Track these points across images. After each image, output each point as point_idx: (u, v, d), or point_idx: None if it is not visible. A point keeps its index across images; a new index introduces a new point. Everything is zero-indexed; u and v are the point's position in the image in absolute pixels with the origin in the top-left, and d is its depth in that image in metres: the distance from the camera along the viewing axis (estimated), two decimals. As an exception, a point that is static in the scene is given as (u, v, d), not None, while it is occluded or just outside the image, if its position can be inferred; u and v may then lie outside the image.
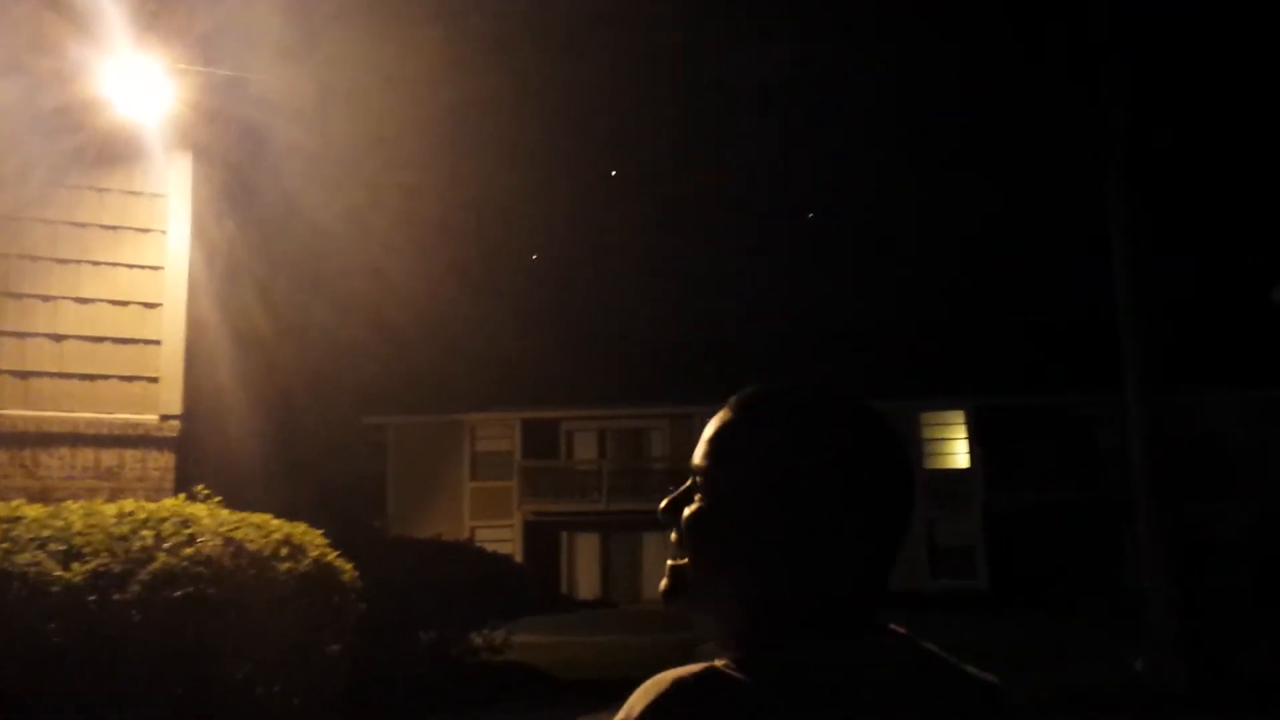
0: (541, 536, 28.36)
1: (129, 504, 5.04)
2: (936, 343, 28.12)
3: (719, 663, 0.96)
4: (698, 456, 1.03)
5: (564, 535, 28.74)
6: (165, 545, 4.67)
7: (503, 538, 27.40)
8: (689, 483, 1.04)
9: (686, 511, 1.02)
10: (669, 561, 1.05)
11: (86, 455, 6.14)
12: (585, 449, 29.64)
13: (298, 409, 9.11)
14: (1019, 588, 25.20)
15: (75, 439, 6.13)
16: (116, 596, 4.34)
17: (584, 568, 28.75)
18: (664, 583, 1.05)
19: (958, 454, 28.44)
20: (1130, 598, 17.63)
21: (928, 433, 28.38)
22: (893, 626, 1.01)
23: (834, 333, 28.45)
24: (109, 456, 6.20)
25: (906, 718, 0.94)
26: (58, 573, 4.19)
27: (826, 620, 0.97)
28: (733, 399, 1.05)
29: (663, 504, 1.05)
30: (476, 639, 11.34)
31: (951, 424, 28.48)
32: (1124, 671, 11.66)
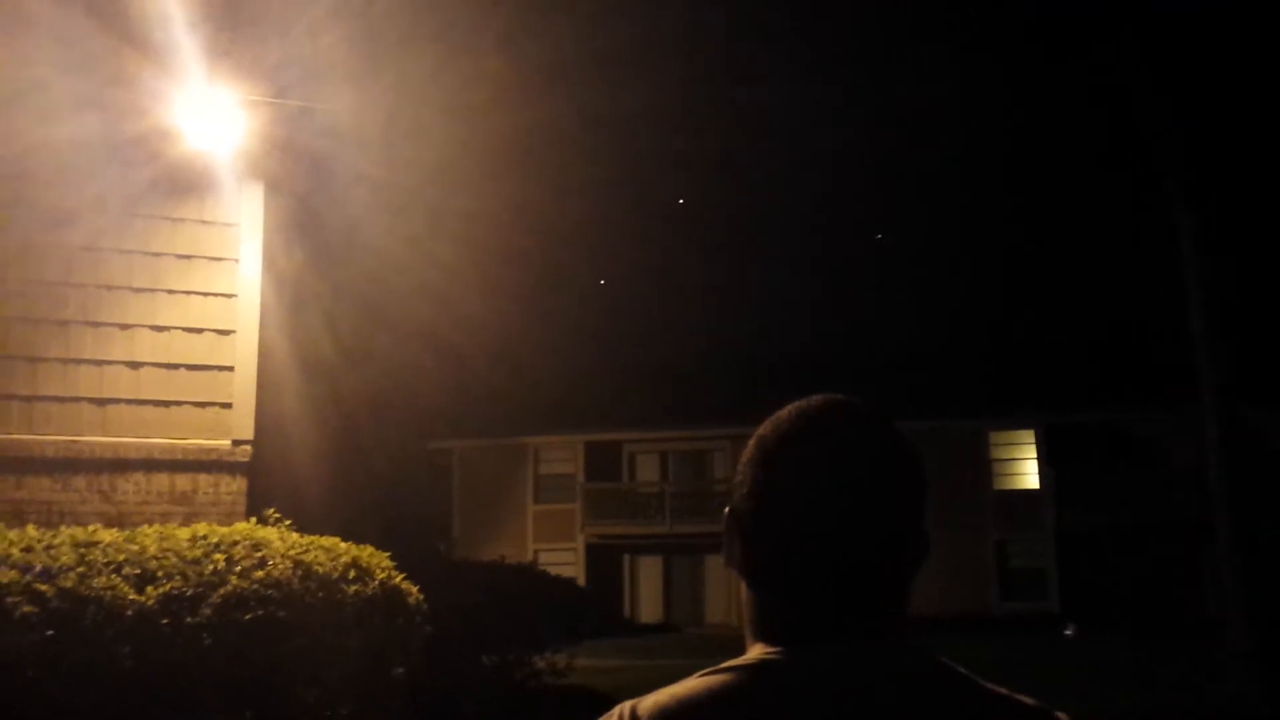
0: (604, 559, 28.34)
1: (202, 528, 5.13)
2: (1004, 361, 27.68)
3: (753, 656, 1.01)
4: (741, 459, 1.11)
5: (626, 558, 28.69)
6: (236, 569, 4.74)
7: (566, 560, 27.44)
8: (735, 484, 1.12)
9: (728, 509, 1.09)
10: None
11: (161, 480, 6.27)
12: (647, 471, 29.60)
13: (363, 434, 9.23)
14: (1092, 610, 24.60)
15: (150, 464, 6.26)
16: (189, 620, 4.40)
17: (646, 590, 28.65)
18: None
19: (1027, 474, 27.89)
20: (1208, 620, 17.13)
21: (996, 453, 27.90)
22: (924, 650, 1.02)
23: (898, 353, 28.13)
24: (183, 481, 6.32)
25: None
26: (132, 596, 4.26)
27: (814, 628, 1.00)
28: (781, 410, 1.11)
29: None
30: (539, 662, 11.33)
31: (1020, 443, 27.96)
32: (1202, 696, 11.32)
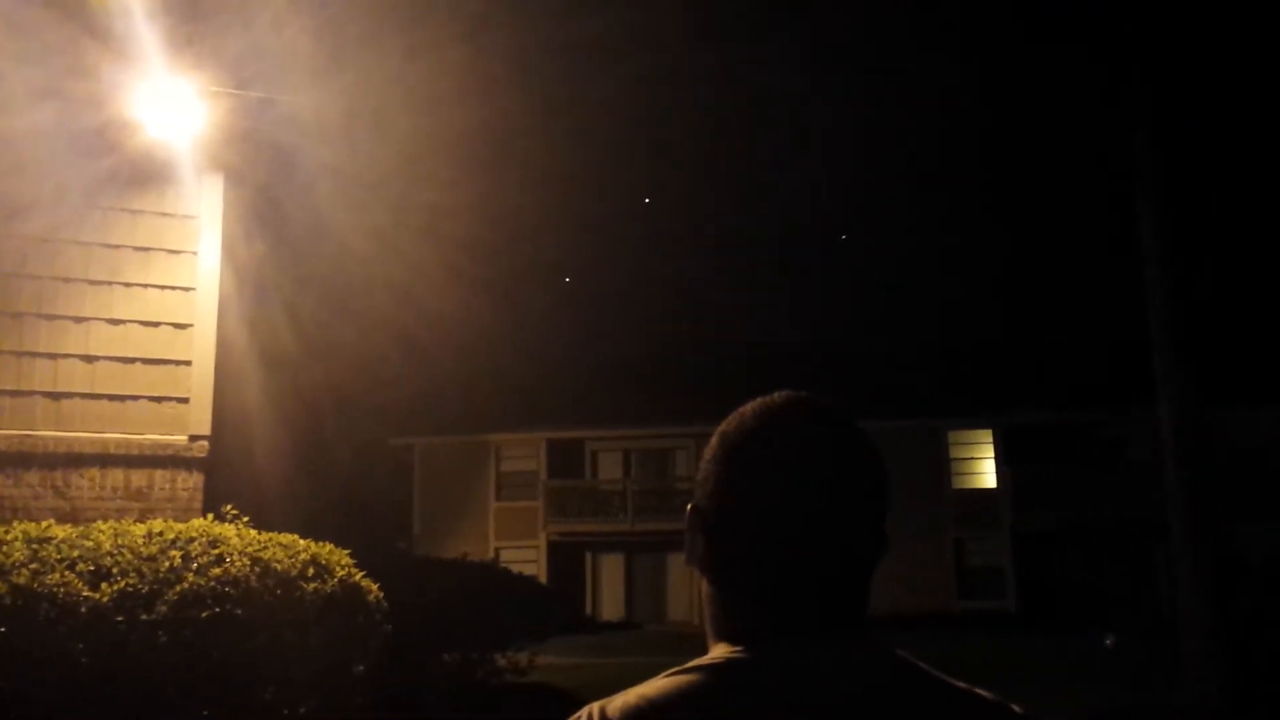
0: (566, 557, 28.30)
1: (158, 524, 5.06)
2: (963, 361, 27.93)
3: (717, 655, 1.00)
4: (704, 455, 1.10)
5: (589, 555, 28.67)
6: (193, 566, 4.68)
7: (528, 558, 27.37)
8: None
9: (691, 503, 1.09)
10: None
11: (116, 476, 6.18)
12: (610, 469, 29.59)
13: (324, 430, 9.15)
14: (1049, 609, 24.90)
15: (105, 459, 6.16)
16: (144, 617, 4.35)
17: (608, 588, 28.65)
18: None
19: (985, 473, 28.17)
20: (1163, 619, 17.39)
21: (955, 452, 28.15)
22: (888, 645, 1.02)
23: (859, 352, 28.32)
24: (138, 477, 6.23)
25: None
26: (86, 593, 4.20)
27: (778, 626, 1.00)
28: (746, 406, 1.11)
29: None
30: (501, 660, 11.30)
31: (979, 443, 28.23)
32: (1157, 694, 11.48)
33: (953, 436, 28.02)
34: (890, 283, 33.55)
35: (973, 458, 28.29)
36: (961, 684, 1.01)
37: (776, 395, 1.10)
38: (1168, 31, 11.94)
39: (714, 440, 1.09)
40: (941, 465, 27.60)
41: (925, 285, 33.33)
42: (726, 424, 1.09)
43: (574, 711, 1.01)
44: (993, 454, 27.93)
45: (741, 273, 34.35)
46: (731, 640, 1.01)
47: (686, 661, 1.01)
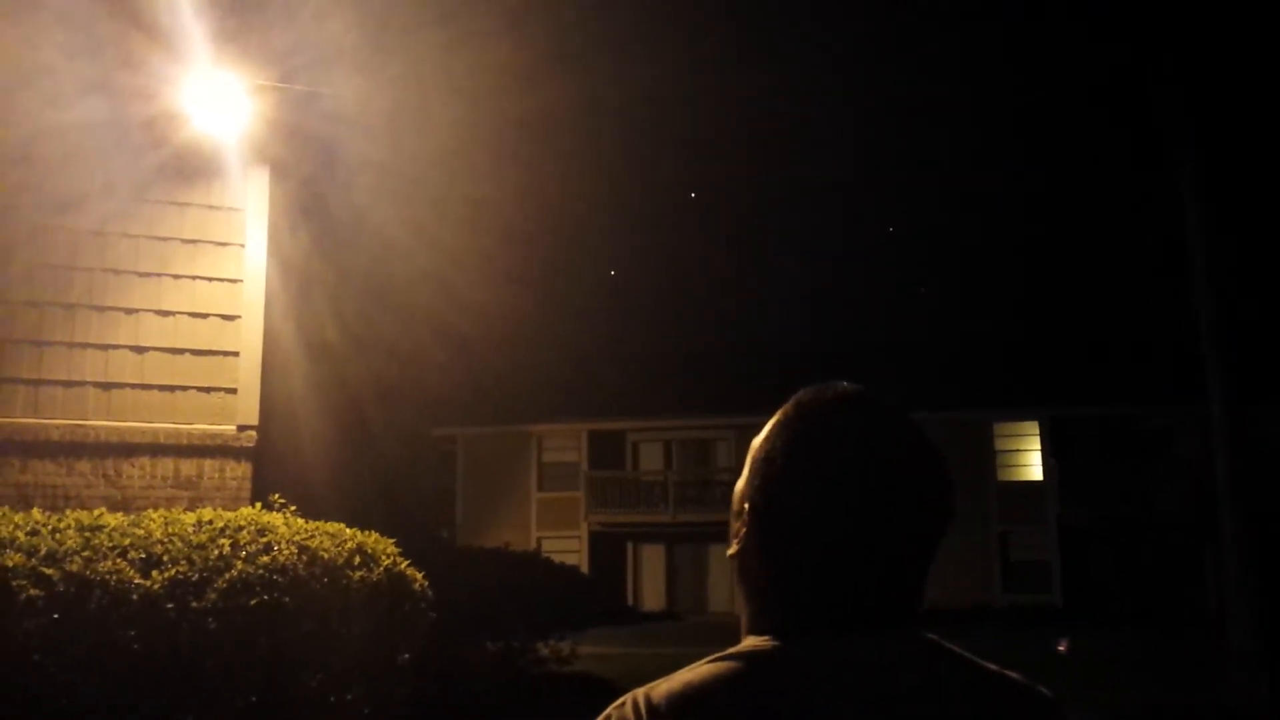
0: (607, 547, 28.37)
1: (207, 513, 5.13)
2: (1010, 353, 27.63)
3: (747, 646, 1.00)
4: (753, 441, 1.10)
5: (630, 546, 28.73)
6: (242, 554, 4.74)
7: (569, 548, 27.46)
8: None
9: (736, 490, 1.09)
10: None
11: (166, 465, 6.27)
12: (651, 460, 29.61)
13: (368, 420, 9.23)
14: (1095, 604, 24.60)
15: (155, 449, 6.25)
16: (194, 605, 4.41)
17: (649, 579, 28.69)
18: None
19: (1031, 466, 27.86)
20: (1210, 616, 17.11)
21: (1000, 444, 27.86)
22: (928, 634, 1.02)
23: (904, 343, 28.10)
24: (188, 466, 6.32)
25: (928, 715, 0.95)
26: (137, 580, 4.26)
27: (843, 617, 0.99)
28: (794, 397, 1.10)
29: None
30: (543, 649, 11.36)
31: (1025, 435, 27.91)
32: (1204, 691, 11.31)
33: (998, 429, 27.75)
34: (938, 274, 33.26)
35: (1018, 450, 27.98)
36: (993, 667, 1.01)
37: (834, 386, 1.08)
38: (1208, 27, 11.73)
39: (767, 430, 1.08)
40: (987, 458, 27.34)
41: (971, 277, 33.00)
42: (782, 414, 1.08)
43: (616, 700, 1.01)
44: (1039, 446, 27.63)
45: (785, 264, 34.20)
46: (775, 629, 1.01)
47: (722, 651, 1.01)
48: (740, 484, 1.09)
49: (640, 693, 0.99)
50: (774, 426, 1.07)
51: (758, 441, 1.08)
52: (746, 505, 1.06)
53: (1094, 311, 28.66)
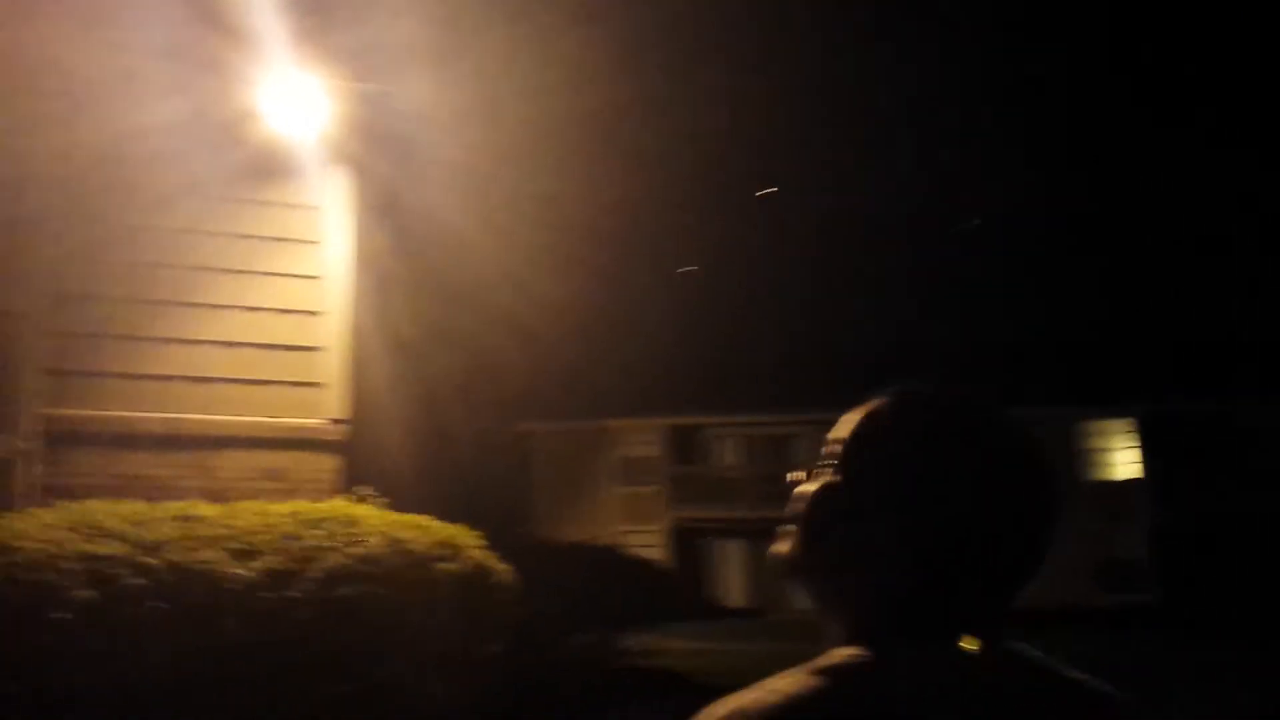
0: (688, 542, 28.34)
1: (299, 504, 5.19)
2: (1101, 348, 27.00)
3: (839, 657, 0.95)
4: (835, 435, 1.05)
5: (711, 541, 28.66)
6: (334, 544, 4.78)
7: (650, 543, 27.49)
8: (822, 458, 1.06)
9: (818, 484, 1.04)
10: (780, 526, 1.08)
11: (258, 457, 6.38)
12: (730, 455, 29.52)
13: (448, 415, 9.30)
14: (1194, 604, 23.87)
15: (248, 441, 6.37)
16: (289, 593, 4.46)
17: (731, 574, 28.59)
18: (775, 546, 1.07)
19: (1124, 464, 27.17)
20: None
21: (1090, 442, 27.22)
22: (1014, 641, 0.99)
23: (988, 339, 27.57)
24: (279, 458, 6.42)
25: None
26: (234, 570, 4.32)
27: (948, 625, 0.96)
28: (887, 391, 1.05)
29: (793, 474, 1.08)
30: (627, 643, 11.35)
31: (1116, 433, 27.24)
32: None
33: (1090, 427, 27.13)
34: (1020, 269, 32.60)
35: (1111, 448, 27.34)
36: (1076, 674, 0.98)
37: (956, 388, 1.04)
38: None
39: (864, 419, 1.03)
40: (1078, 456, 26.75)
41: (1059, 274, 32.29)
42: (875, 407, 1.04)
43: (705, 701, 0.96)
44: (1132, 444, 26.96)
45: (869, 261, 33.82)
46: (861, 639, 0.97)
47: (810, 650, 0.98)
48: (821, 485, 1.04)
49: (732, 703, 0.94)
50: (866, 419, 1.03)
51: (842, 432, 1.04)
52: (850, 505, 1.00)
53: (1188, 305, 27.89)
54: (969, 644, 0.94)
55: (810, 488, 1.05)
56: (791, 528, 1.06)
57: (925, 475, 0.97)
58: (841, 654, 0.97)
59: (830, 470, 1.04)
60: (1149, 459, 26.26)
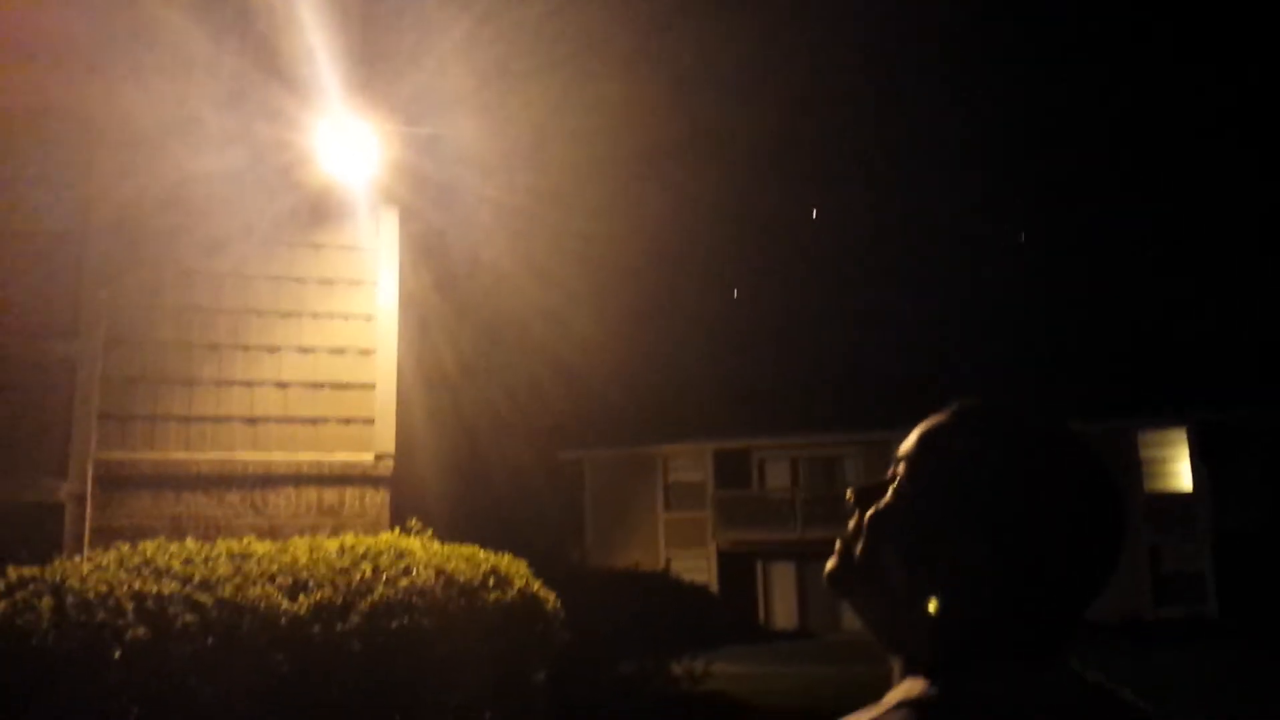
0: (736, 566, 28.25)
1: (349, 538, 5.35)
2: (1153, 358, 26.57)
3: (917, 691, 0.91)
4: (907, 448, 1.00)
5: (759, 564, 28.54)
6: (383, 578, 4.92)
7: (698, 567, 27.45)
8: (890, 474, 1.01)
9: (881, 503, 0.99)
10: (839, 541, 1.02)
11: (310, 494, 6.56)
12: (778, 478, 29.40)
13: (494, 446, 9.44)
14: (1253, 615, 23.33)
15: (299, 479, 6.56)
16: (339, 627, 4.59)
17: (780, 597, 28.43)
18: (833, 563, 1.01)
19: (1179, 475, 26.68)
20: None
21: (1146, 453, 26.77)
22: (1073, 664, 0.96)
23: (1040, 353, 27.27)
24: (330, 494, 6.60)
25: None
26: (285, 605, 4.47)
27: (1022, 648, 0.92)
28: (956, 406, 1.02)
29: (855, 489, 1.02)
30: (676, 669, 11.36)
31: (1172, 443, 26.76)
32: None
33: (1143, 437, 26.68)
34: (1072, 280, 32.20)
35: (1166, 459, 26.85)
36: (1130, 696, 0.95)
37: (1027, 411, 1.01)
38: None
39: (924, 434, 1.00)
40: (1132, 467, 26.30)
41: (1111, 284, 31.86)
42: (941, 420, 1.01)
43: None
44: (1187, 454, 26.47)
45: (914, 279, 33.62)
46: (938, 668, 0.92)
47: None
48: (888, 498, 0.99)
49: None
50: (960, 435, 0.98)
51: (913, 448, 1.00)
52: (921, 520, 0.96)
53: (1242, 310, 27.37)
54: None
55: (871, 497, 1.00)
56: (849, 544, 1.01)
57: (999, 488, 0.94)
58: (918, 687, 0.92)
59: (897, 484, 0.99)
60: (1205, 469, 25.77)
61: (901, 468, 1.00)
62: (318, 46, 6.70)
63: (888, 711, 0.90)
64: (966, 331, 29.34)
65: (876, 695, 1.00)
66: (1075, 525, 0.94)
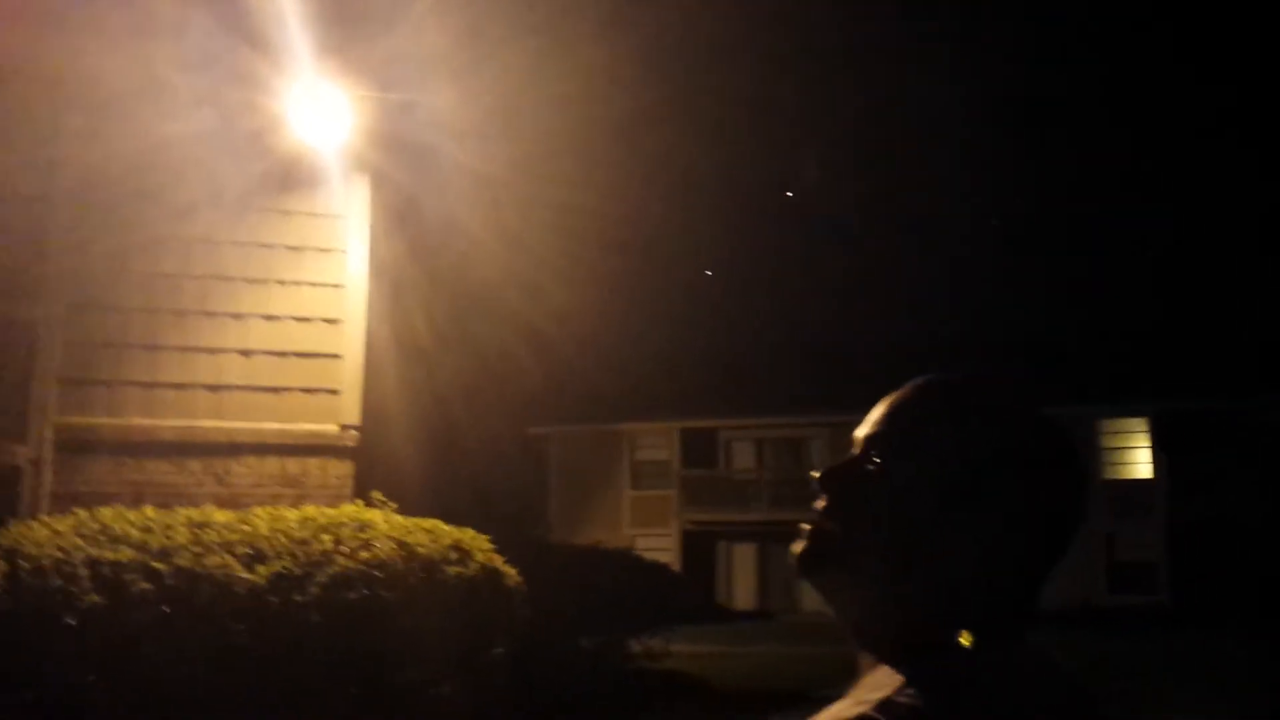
0: (699, 545, 28.40)
1: (311, 510, 5.31)
2: (1116, 347, 26.87)
3: (898, 683, 0.87)
4: (874, 426, 0.98)
5: (722, 545, 28.70)
6: (343, 550, 4.90)
7: (661, 546, 27.55)
8: (855, 453, 0.99)
9: (850, 482, 0.97)
10: (806, 526, 0.99)
11: (272, 463, 6.51)
12: (743, 458, 29.54)
13: (462, 420, 9.42)
14: (1205, 604, 23.78)
15: (262, 448, 6.50)
16: (297, 598, 4.57)
17: (741, 577, 28.63)
18: (801, 545, 0.98)
19: (1139, 463, 27.07)
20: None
21: (1106, 441, 27.12)
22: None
23: (1003, 338, 27.50)
24: (293, 465, 6.56)
25: None
26: (243, 575, 4.44)
27: (996, 625, 0.91)
28: (921, 381, 1.00)
29: (823, 470, 0.98)
30: (635, 646, 11.43)
31: (1132, 431, 27.14)
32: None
33: (1104, 425, 27.03)
34: (1034, 266, 32.48)
35: (1125, 447, 27.23)
36: (1068, 671, 0.94)
37: (998, 386, 1.00)
38: None
39: (890, 406, 0.99)
40: (1092, 455, 26.63)
41: (1075, 269, 32.17)
42: (907, 393, 0.99)
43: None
44: (1147, 443, 26.85)
45: (881, 262, 33.78)
46: (908, 646, 0.90)
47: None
48: (853, 473, 0.97)
49: None
50: (931, 408, 0.97)
51: (900, 426, 0.97)
52: (890, 495, 0.94)
53: (1202, 304, 27.73)
54: (965, 639, 0.88)
55: (840, 477, 0.98)
56: (814, 524, 0.98)
57: (971, 462, 0.92)
58: (897, 677, 0.88)
59: (863, 458, 0.97)
60: (1162, 458, 26.18)
61: (867, 445, 0.98)
62: (289, 9, 6.59)
63: (885, 703, 0.85)
64: (933, 316, 29.51)
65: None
66: (1047, 500, 0.93)
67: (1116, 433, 27.25)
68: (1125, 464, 27.25)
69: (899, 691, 0.85)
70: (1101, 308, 28.88)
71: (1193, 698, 10.78)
